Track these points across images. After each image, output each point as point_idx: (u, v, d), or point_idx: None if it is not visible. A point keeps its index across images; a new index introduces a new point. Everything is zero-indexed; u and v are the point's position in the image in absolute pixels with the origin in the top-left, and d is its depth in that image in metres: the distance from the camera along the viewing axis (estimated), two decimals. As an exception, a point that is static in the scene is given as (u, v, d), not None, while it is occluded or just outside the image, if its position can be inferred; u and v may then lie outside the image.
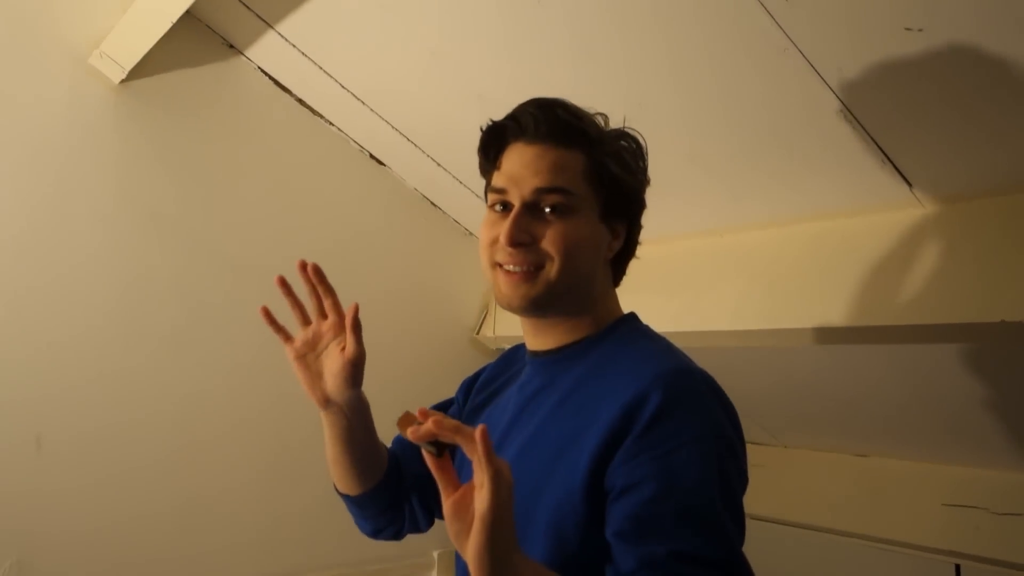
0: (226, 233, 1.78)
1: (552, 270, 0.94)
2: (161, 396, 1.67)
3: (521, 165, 0.95)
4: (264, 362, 1.80)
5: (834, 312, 1.37)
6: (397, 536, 1.21)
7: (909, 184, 1.29)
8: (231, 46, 1.78)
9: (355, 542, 1.92)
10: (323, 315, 1.02)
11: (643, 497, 0.80)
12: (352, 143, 1.97)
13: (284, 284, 1.01)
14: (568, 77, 1.41)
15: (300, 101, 1.88)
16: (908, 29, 1.03)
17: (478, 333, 2.16)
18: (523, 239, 0.94)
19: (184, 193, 1.73)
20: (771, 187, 1.46)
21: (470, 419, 1.14)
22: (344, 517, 1.96)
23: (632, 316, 1.05)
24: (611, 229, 1.00)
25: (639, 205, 1.03)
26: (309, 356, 1.02)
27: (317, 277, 1.00)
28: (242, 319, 1.77)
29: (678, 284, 1.68)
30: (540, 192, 0.94)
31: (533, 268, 0.94)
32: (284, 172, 1.88)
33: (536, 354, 1.03)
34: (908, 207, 1.34)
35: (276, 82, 1.84)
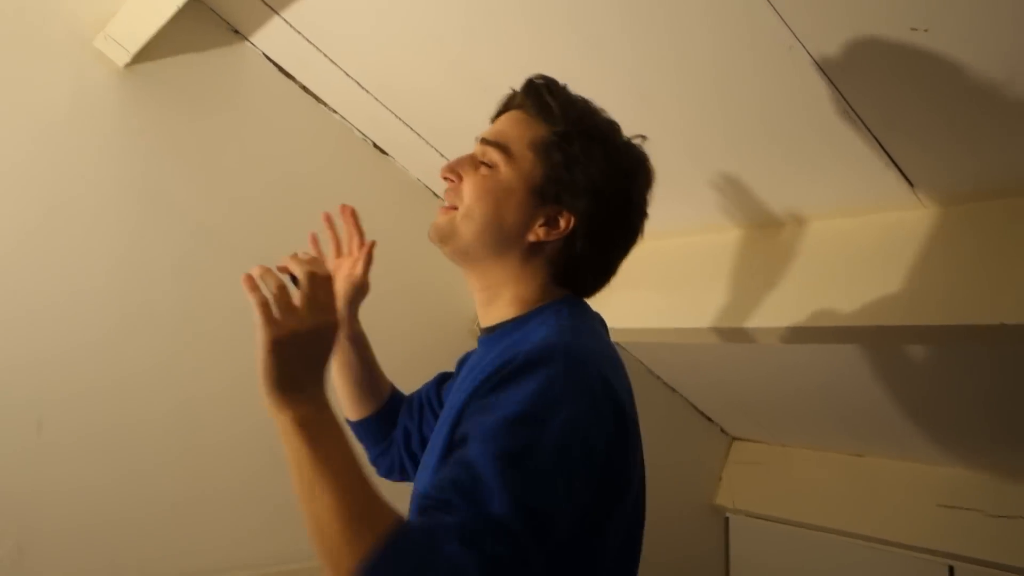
0: (228, 218, 1.78)
1: (461, 211, 0.99)
2: (160, 390, 1.66)
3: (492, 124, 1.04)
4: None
5: (832, 311, 1.37)
6: (389, 473, 1.29)
7: (911, 184, 1.29)
8: (236, 31, 1.78)
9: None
10: (339, 253, 1.25)
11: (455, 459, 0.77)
12: (356, 132, 1.97)
13: (329, 220, 1.24)
14: (574, 69, 1.40)
15: (304, 88, 1.88)
16: (914, 29, 1.03)
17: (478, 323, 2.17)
18: (450, 176, 1.02)
19: (187, 178, 1.73)
20: (772, 185, 1.46)
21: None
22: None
23: (566, 298, 0.99)
24: (546, 213, 0.97)
25: (585, 201, 0.96)
26: None
27: (353, 219, 1.23)
28: (242, 302, 1.77)
29: (675, 280, 1.68)
30: (482, 143, 1.01)
31: (453, 207, 1.01)
32: (287, 159, 1.87)
33: (481, 332, 1.06)
34: (910, 208, 1.34)
35: (280, 68, 1.84)
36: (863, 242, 1.39)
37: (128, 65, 1.63)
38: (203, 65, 1.75)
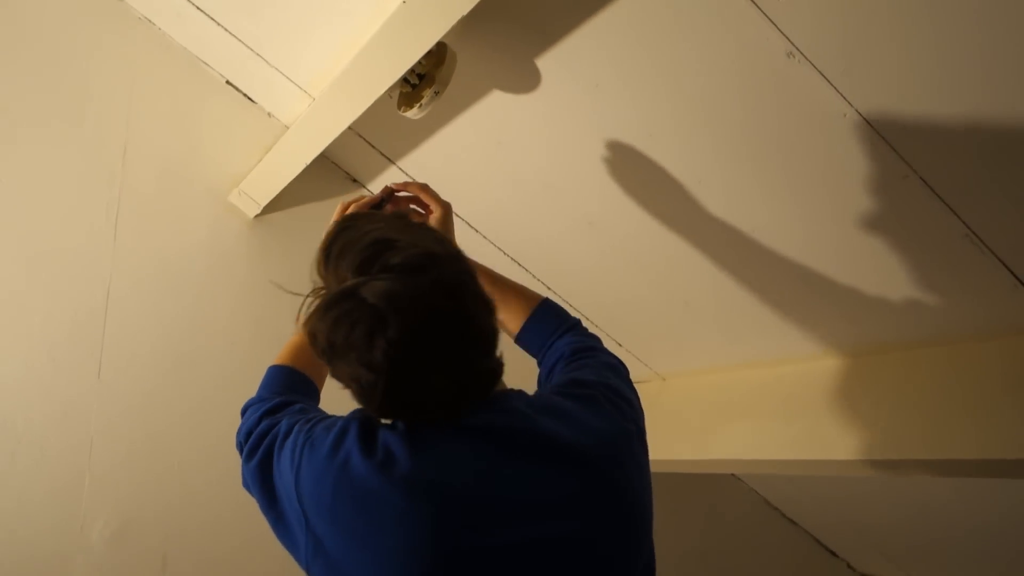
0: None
1: None
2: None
3: None
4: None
5: (962, 442, 1.30)
6: None
7: (1045, 307, 1.24)
8: (354, 180, 1.91)
9: None
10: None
11: None
12: (463, 267, 2.04)
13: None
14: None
15: (416, 229, 1.97)
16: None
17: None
18: None
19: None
20: (895, 312, 1.42)
21: None
22: None
23: (355, 413, 0.96)
24: None
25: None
26: None
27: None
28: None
29: (797, 409, 1.63)
30: None
31: None
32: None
33: None
34: (1046, 331, 1.28)
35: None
36: (994, 368, 1.33)
37: (257, 216, 1.76)
38: (324, 212, 1.86)
